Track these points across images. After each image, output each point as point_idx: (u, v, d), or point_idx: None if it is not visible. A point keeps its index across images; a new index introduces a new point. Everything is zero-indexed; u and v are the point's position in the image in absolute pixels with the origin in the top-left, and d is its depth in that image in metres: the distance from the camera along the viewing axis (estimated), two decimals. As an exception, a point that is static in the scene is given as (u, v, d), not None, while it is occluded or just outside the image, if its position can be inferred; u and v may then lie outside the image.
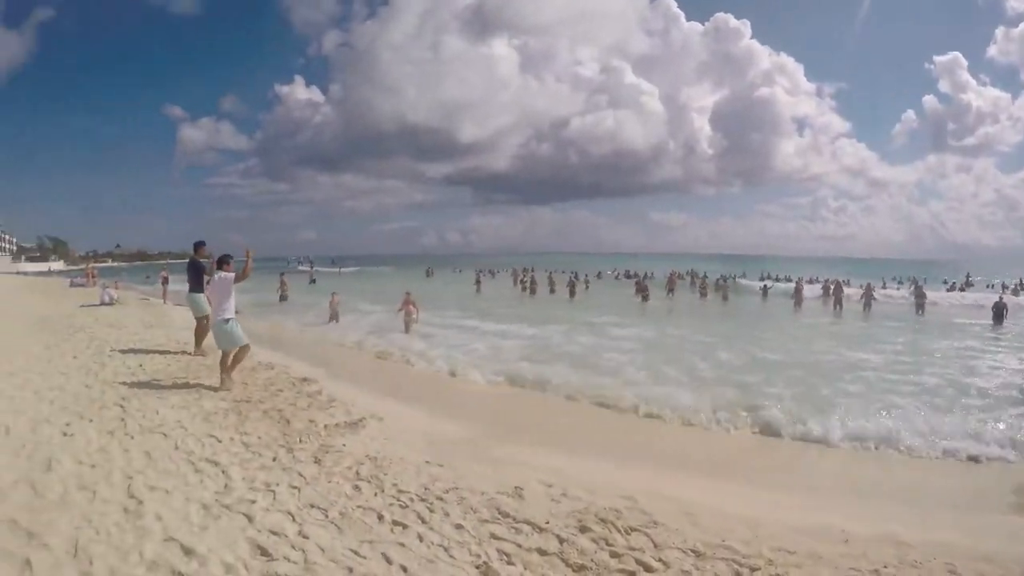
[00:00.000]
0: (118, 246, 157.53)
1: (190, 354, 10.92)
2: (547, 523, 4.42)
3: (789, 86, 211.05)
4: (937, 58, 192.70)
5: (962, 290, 41.51)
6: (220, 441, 6.02)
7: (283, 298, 27.53)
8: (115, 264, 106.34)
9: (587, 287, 40.47)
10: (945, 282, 45.54)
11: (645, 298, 30.50)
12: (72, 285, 34.59)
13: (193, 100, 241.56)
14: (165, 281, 25.64)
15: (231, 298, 8.35)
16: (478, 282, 38.37)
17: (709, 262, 79.53)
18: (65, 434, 5.94)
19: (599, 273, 52.28)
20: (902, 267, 77.38)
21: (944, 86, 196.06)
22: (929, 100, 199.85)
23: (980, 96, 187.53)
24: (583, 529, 4.36)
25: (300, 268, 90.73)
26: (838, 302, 29.02)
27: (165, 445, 5.80)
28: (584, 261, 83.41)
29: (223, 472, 5.18)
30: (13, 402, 7.12)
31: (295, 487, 4.97)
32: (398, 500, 4.77)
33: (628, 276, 51.48)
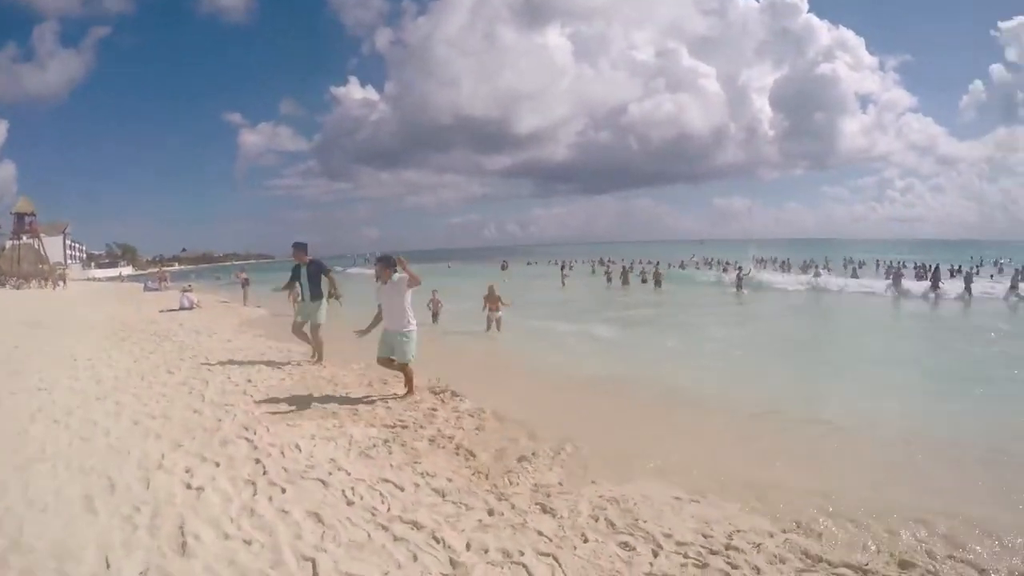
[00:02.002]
0: (184, 250, 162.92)
1: (300, 365, 9.66)
2: (867, 565, 3.46)
3: (851, 61, 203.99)
4: (1003, 24, 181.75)
5: None
6: (402, 489, 4.50)
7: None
8: (182, 267, 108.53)
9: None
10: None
11: (739, 287, 29.02)
12: (147, 290, 34.66)
13: (251, 106, 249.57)
14: (246, 283, 24.84)
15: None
16: (563, 275, 36.46)
17: (776, 248, 76.05)
18: (190, 487, 4.47)
19: (682, 262, 49.52)
20: (974, 249, 71.89)
21: (1011, 54, 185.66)
22: (997, 69, 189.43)
23: None
24: (904, 564, 3.49)
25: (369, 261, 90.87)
26: (935, 288, 26.44)
27: (332, 499, 4.28)
28: (649, 249, 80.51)
29: (435, 539, 3.68)
30: (110, 438, 5.74)
31: (546, 555, 3.52)
32: (688, 558, 3.56)
33: (711, 264, 48.91)
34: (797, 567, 3.45)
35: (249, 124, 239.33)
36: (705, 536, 3.82)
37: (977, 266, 38.14)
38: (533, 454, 5.39)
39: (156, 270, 53.18)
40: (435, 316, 16.51)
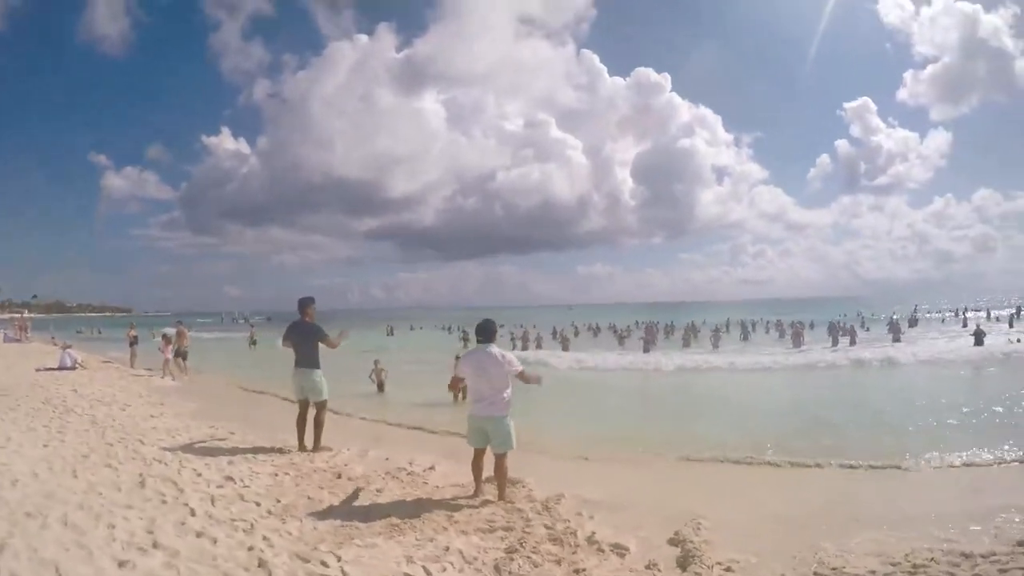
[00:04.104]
0: (35, 296, 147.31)
1: (283, 452, 7.63)
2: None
3: (709, 137, 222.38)
4: (848, 104, 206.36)
5: (911, 325, 39.89)
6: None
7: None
8: (33, 315, 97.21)
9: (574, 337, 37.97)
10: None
11: (647, 350, 27.99)
12: (5, 340, 29.67)
13: (118, 148, 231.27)
14: (135, 341, 20.82)
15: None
16: (465, 340, 34.46)
17: (638, 311, 79.19)
18: None
19: (576, 329, 48.24)
20: (820, 305, 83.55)
21: (855, 130, 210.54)
22: (841, 144, 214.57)
23: (890, 137, 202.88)
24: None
25: (239, 321, 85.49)
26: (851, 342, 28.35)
27: None
28: (521, 314, 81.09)
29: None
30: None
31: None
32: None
33: (614, 330, 47.77)
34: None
35: (114, 167, 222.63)
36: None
37: (841, 319, 39.91)
38: (677, 534, 4.86)
39: (17, 317, 46.30)
40: (380, 386, 14.74)
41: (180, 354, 17.49)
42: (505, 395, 5.70)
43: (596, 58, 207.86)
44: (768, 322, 43.54)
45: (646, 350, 27.94)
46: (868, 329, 36.50)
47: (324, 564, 4.13)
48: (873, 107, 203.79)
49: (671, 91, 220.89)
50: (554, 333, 37.22)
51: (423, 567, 4.14)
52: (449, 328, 53.53)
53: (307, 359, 7.70)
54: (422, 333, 53.15)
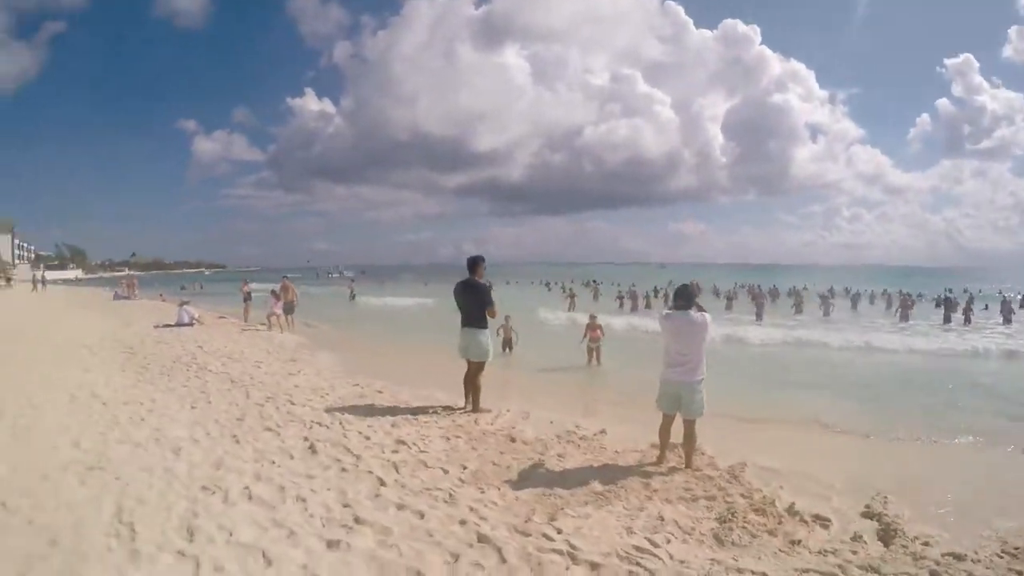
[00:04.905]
0: (134, 255, 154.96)
1: (441, 413, 7.25)
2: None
3: (802, 92, 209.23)
4: (948, 60, 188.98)
5: (1022, 306, 32.60)
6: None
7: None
8: (133, 273, 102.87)
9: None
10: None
11: (759, 316, 25.29)
12: (116, 298, 30.90)
13: (206, 114, 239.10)
14: (248, 297, 20.97)
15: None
16: (572, 297, 31.91)
17: (733, 272, 75.85)
18: None
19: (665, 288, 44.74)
20: (922, 276, 76.41)
21: (957, 89, 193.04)
22: (943, 104, 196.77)
23: (994, 98, 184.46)
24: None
25: (333, 276, 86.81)
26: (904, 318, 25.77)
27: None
28: (611, 271, 78.31)
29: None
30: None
31: None
32: None
33: (717, 293, 44.12)
34: None
35: (204, 131, 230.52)
36: None
37: (950, 294, 36.15)
38: (868, 508, 4.66)
39: (124, 275, 48.38)
40: (507, 344, 14.04)
41: (288, 309, 17.50)
42: (702, 361, 5.40)
43: (681, 9, 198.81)
44: (873, 292, 39.67)
45: (759, 316, 25.34)
46: (987, 307, 32.68)
47: (547, 537, 3.81)
48: (976, 64, 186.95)
49: (761, 44, 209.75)
50: (655, 292, 35.01)
51: (647, 538, 3.86)
52: (549, 284, 52.53)
53: (471, 318, 7.29)
54: (518, 288, 51.48)
